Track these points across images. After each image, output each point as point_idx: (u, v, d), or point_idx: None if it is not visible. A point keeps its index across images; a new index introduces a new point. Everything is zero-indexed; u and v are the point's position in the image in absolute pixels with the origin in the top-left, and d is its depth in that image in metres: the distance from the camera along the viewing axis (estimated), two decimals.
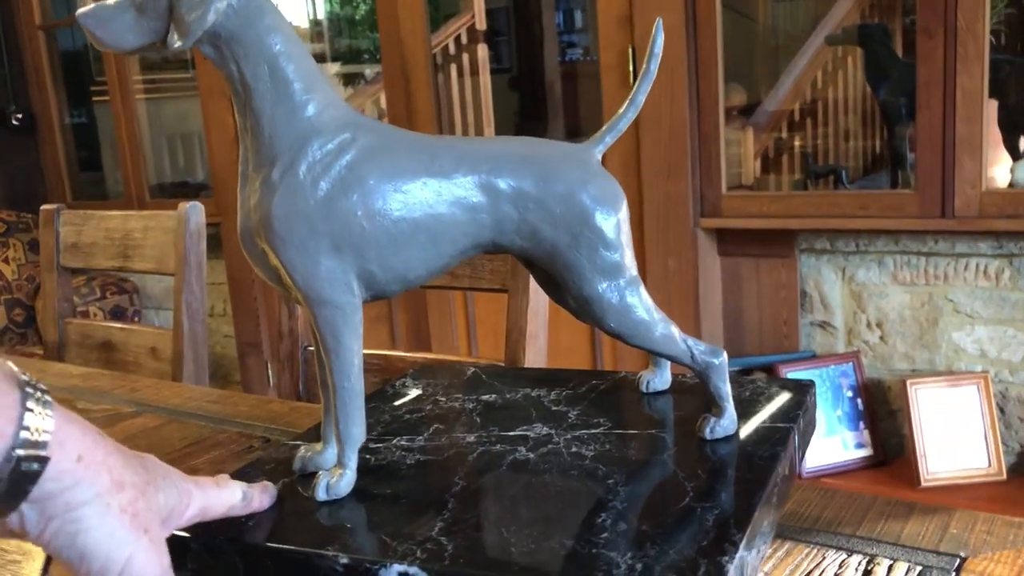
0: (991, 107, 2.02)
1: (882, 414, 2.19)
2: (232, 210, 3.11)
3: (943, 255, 2.06)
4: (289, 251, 0.61)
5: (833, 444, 2.14)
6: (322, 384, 0.69)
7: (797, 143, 2.64)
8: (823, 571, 0.62)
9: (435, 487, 0.67)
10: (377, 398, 0.86)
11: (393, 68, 2.71)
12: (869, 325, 2.18)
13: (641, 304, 0.67)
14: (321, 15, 5.50)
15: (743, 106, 2.50)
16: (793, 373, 2.14)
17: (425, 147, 0.64)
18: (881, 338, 2.17)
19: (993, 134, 2.09)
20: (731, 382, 0.72)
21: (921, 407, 2.03)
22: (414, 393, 0.87)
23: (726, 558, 0.52)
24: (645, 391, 0.81)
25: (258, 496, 0.62)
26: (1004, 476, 1.99)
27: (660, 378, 0.81)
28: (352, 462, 0.65)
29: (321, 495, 0.64)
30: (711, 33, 2.15)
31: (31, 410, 0.48)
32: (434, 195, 0.63)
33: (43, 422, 0.48)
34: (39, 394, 0.49)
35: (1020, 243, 1.96)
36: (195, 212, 1.41)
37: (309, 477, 0.67)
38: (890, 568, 0.61)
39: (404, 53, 2.68)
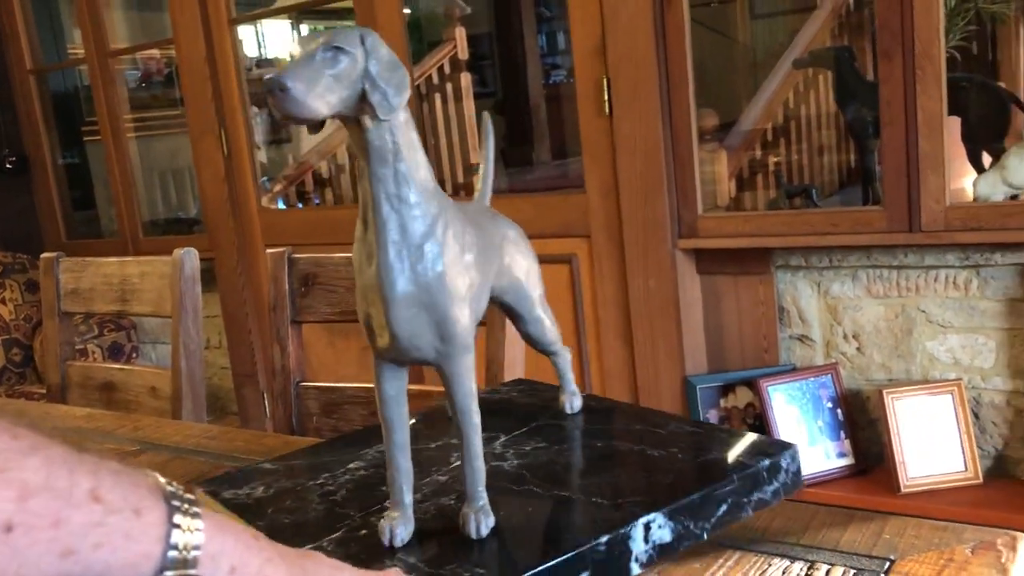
0: (954, 124, 2.10)
1: (862, 423, 2.25)
2: (225, 243, 3.18)
3: (913, 267, 2.14)
4: (456, 304, 0.66)
5: (816, 454, 2.20)
6: (394, 452, 0.70)
7: (772, 161, 2.72)
8: None
9: (528, 494, 0.74)
10: (263, 504, 0.81)
11: None
12: (846, 337, 2.25)
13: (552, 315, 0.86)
14: None
15: (716, 127, 2.58)
16: (774, 386, 2.20)
17: (460, 210, 0.73)
18: (858, 349, 2.24)
19: (958, 149, 2.17)
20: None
21: (899, 416, 2.10)
22: (298, 482, 0.84)
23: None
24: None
25: None
26: (980, 480, 2.05)
27: None
28: (485, 493, 0.70)
29: (484, 532, 0.68)
30: (681, 61, 2.22)
31: (178, 526, 0.45)
32: (488, 249, 0.74)
33: (191, 537, 0.46)
34: (186, 505, 0.47)
35: (985, 254, 2.03)
36: (189, 257, 1.48)
37: (407, 547, 0.69)
38: (828, 572, 0.68)
39: None
